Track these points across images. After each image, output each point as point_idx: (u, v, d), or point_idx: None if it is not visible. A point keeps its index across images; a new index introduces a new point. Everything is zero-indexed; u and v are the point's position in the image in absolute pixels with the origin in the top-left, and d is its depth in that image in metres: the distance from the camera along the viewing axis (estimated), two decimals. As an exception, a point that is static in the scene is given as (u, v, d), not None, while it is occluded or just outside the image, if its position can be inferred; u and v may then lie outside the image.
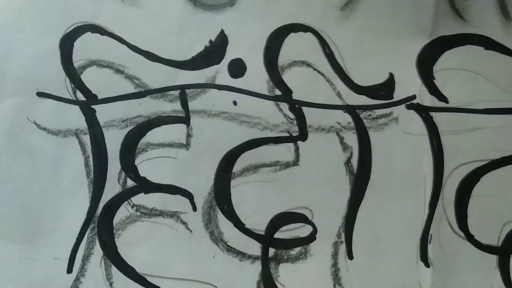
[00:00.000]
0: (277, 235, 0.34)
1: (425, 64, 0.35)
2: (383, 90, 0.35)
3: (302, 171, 0.34)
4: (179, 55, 0.34)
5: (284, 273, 0.33)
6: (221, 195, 0.34)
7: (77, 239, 0.33)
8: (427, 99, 0.35)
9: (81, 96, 0.34)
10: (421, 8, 0.34)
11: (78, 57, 0.34)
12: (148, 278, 0.33)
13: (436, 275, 0.34)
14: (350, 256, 0.34)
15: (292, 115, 0.34)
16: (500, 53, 0.34)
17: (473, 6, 0.34)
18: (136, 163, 0.34)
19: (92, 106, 0.34)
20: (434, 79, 0.35)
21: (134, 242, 0.34)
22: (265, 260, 0.33)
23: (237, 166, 0.34)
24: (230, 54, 0.34)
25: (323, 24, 0.34)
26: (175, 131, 0.34)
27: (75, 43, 0.34)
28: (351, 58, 0.34)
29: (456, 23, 0.34)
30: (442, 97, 0.35)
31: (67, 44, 0.34)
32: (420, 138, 0.34)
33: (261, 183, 0.34)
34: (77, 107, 0.34)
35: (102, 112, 0.34)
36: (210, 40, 0.34)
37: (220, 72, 0.34)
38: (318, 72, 0.34)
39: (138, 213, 0.34)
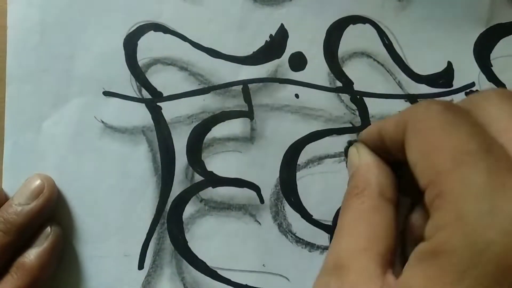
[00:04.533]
0: (345, 224, 0.34)
1: (482, 51, 0.35)
2: (443, 79, 0.35)
3: (366, 161, 0.34)
4: (241, 51, 0.35)
5: (353, 262, 0.34)
6: (288, 187, 0.34)
7: (147, 235, 0.34)
8: (486, 86, 0.35)
9: (146, 94, 0.34)
10: (477, -4, 0.35)
11: (142, 56, 0.34)
12: (219, 271, 0.34)
13: None
14: (417, 243, 0.34)
15: (354, 106, 0.35)
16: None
17: (529, -7, 0.35)
18: (202, 158, 0.34)
19: (158, 104, 0.34)
20: (491, 66, 0.35)
21: (203, 236, 0.34)
22: (334, 250, 0.34)
23: (302, 158, 0.34)
24: (291, 48, 0.35)
25: (381, 15, 0.35)
26: (240, 126, 0.34)
27: (139, 42, 0.34)
28: (410, 48, 0.35)
29: (512, 11, 0.35)
30: (500, 84, 0.35)
31: (131, 43, 0.34)
32: (481, 124, 0.35)
33: (326, 174, 0.34)
34: (143, 105, 0.34)
35: (168, 109, 0.34)
36: (271, 35, 0.35)
37: (281, 66, 0.35)
38: (378, 62, 0.35)
39: (207, 207, 0.34)
